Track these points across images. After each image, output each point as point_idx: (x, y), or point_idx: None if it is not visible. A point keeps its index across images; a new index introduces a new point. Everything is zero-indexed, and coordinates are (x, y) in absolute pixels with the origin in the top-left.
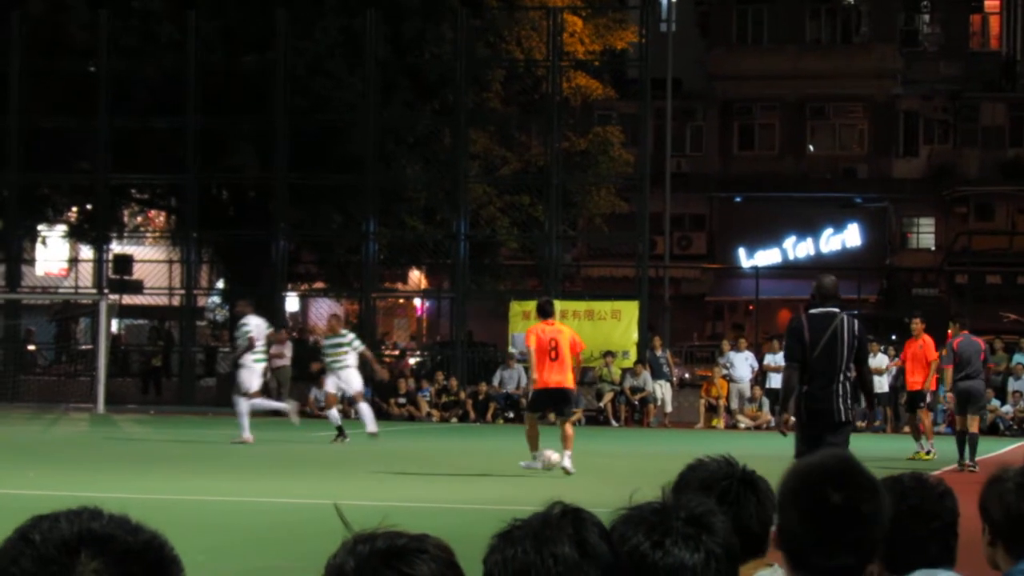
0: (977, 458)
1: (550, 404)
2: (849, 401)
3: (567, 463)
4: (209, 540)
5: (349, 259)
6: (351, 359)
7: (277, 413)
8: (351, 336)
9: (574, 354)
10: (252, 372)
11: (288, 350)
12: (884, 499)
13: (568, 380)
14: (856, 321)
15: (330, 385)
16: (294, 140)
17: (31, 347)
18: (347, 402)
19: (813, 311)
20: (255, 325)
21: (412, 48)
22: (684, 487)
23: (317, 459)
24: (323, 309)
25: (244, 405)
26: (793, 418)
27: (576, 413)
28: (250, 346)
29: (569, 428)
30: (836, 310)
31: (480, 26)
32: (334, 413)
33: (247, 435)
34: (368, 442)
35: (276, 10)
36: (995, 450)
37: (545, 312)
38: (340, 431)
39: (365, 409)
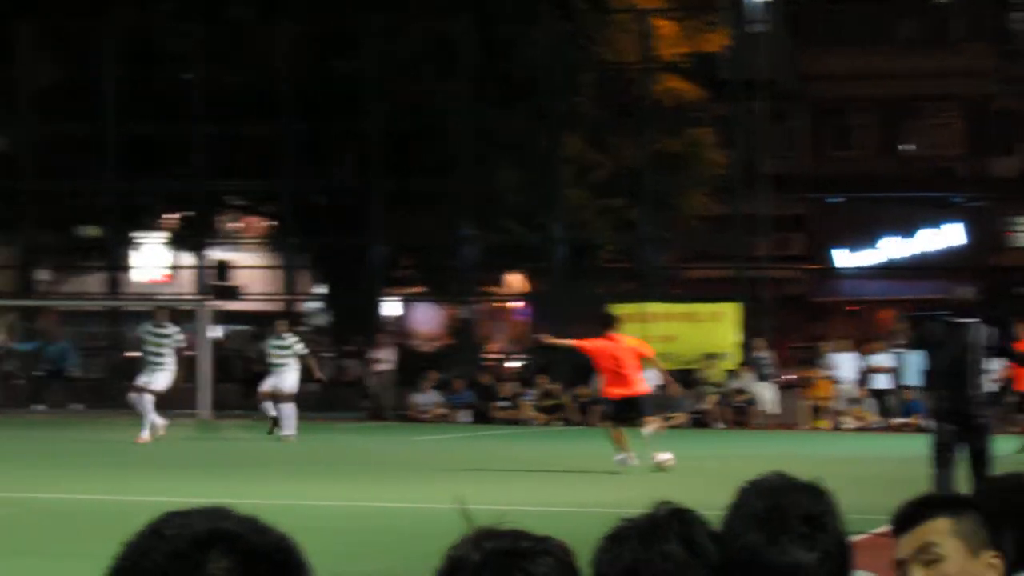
0: None
1: (625, 413)
2: (985, 405)
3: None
4: (321, 544)
5: (447, 264)
6: (292, 362)
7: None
8: (292, 340)
9: (642, 358)
10: (168, 374)
11: (391, 355)
12: None
13: (636, 389)
14: (989, 328)
15: (267, 384)
16: (388, 145)
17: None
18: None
19: (946, 319)
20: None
21: (504, 52)
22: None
23: (423, 463)
24: (424, 314)
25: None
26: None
27: (679, 417)
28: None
29: (644, 429)
30: (969, 320)
31: (571, 29)
32: (268, 405)
33: (147, 434)
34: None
35: (368, 15)
36: None
37: (607, 325)
38: (274, 421)
39: (288, 411)
